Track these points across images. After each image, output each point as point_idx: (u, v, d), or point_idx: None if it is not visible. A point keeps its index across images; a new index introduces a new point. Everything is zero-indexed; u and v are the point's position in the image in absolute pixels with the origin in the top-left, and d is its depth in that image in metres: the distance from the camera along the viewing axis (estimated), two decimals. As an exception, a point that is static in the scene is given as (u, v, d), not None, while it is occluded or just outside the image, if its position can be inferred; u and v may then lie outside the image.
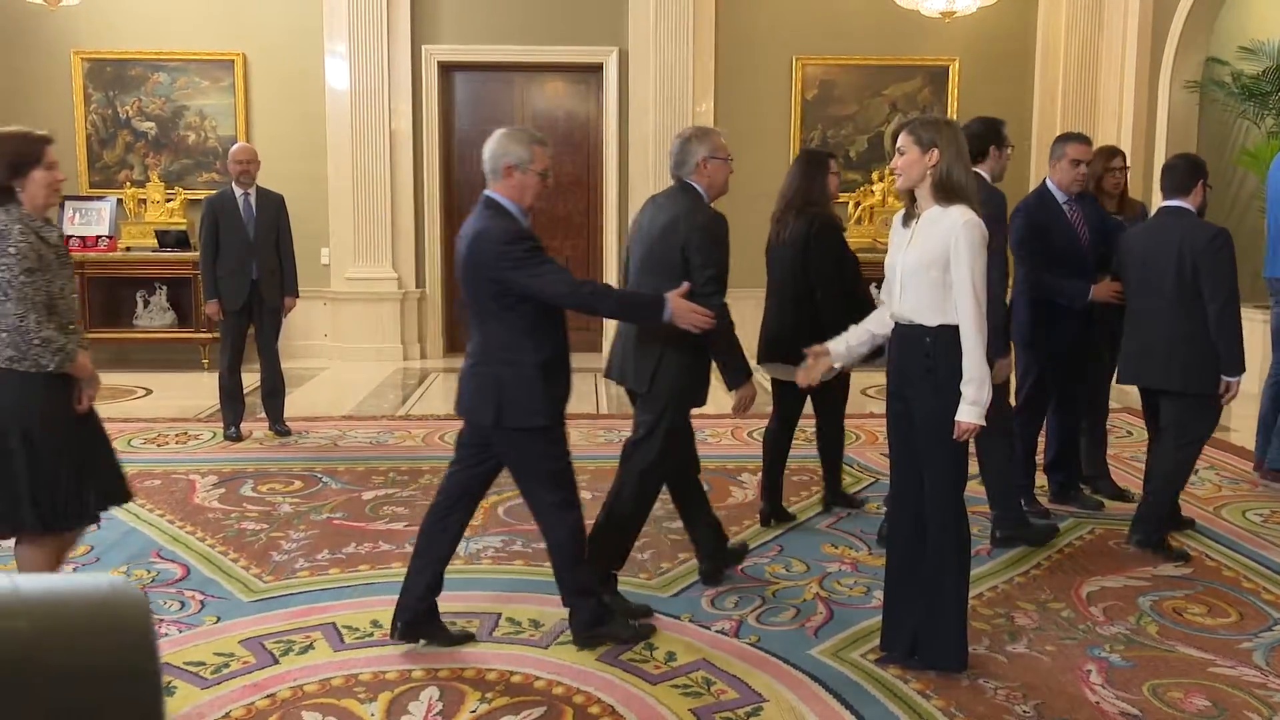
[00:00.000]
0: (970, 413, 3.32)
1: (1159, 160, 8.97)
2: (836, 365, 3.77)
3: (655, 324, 3.74)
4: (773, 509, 5.13)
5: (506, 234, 3.52)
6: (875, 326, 3.69)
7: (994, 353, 3.83)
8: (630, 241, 4.32)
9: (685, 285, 3.74)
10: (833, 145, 9.96)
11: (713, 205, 4.08)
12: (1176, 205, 4.71)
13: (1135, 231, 4.94)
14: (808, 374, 3.74)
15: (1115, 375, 5.07)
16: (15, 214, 3.36)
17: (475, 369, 3.63)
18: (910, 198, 3.47)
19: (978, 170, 4.53)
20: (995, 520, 4.81)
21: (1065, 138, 5.06)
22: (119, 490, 3.66)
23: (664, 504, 5.32)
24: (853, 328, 3.77)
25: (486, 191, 3.67)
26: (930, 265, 3.34)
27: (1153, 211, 5.28)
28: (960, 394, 3.32)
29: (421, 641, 3.74)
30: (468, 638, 3.79)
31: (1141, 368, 4.79)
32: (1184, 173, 4.73)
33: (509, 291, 3.48)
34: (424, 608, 3.73)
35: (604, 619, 3.75)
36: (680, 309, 3.64)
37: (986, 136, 4.65)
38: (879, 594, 3.99)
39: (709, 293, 3.82)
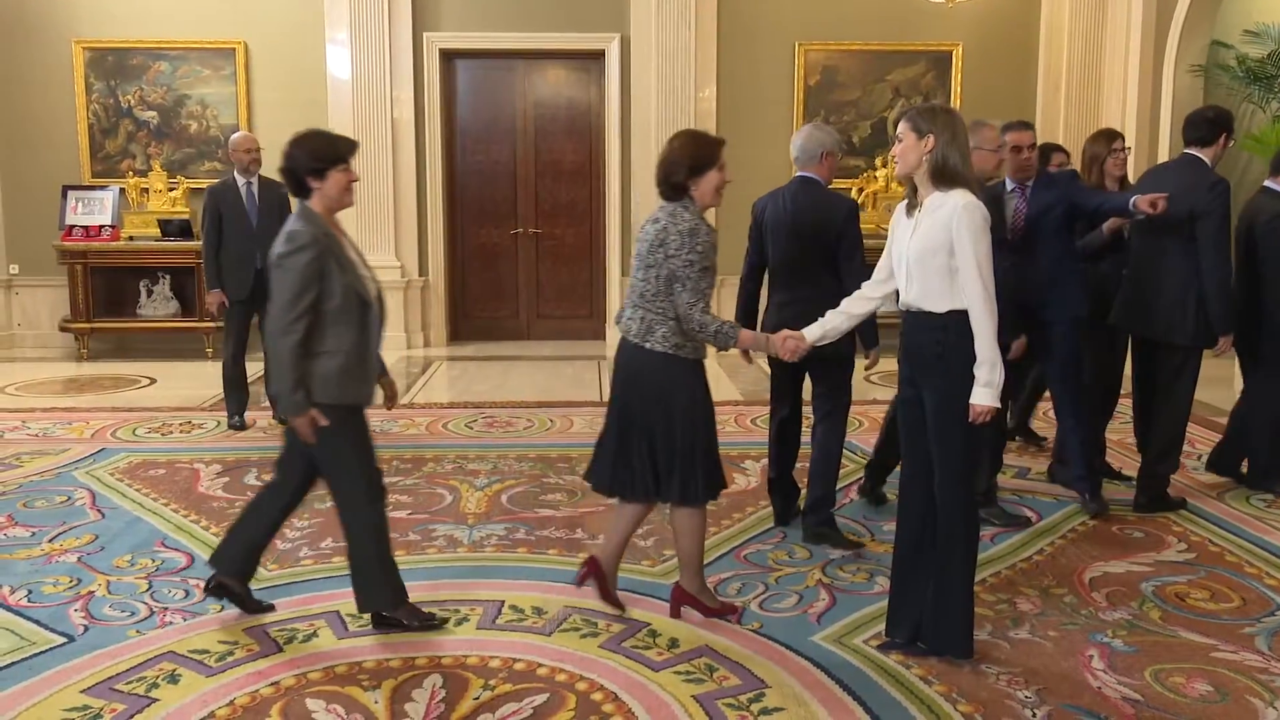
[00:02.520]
0: (984, 395, 3.33)
1: (1163, 144, 8.96)
2: (810, 342, 3.81)
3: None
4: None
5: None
6: (854, 308, 3.78)
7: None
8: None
9: None
10: (835, 131, 9.93)
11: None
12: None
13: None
14: (791, 347, 3.78)
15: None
16: (694, 211, 3.68)
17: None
18: (912, 187, 3.49)
19: (1198, 154, 5.03)
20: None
21: (1005, 126, 5.04)
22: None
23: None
24: (829, 313, 3.81)
25: (804, 172, 4.59)
26: (935, 251, 3.35)
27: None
28: (972, 377, 3.33)
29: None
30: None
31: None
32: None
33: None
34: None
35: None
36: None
37: (1220, 123, 5.03)
38: (882, 580, 4.01)
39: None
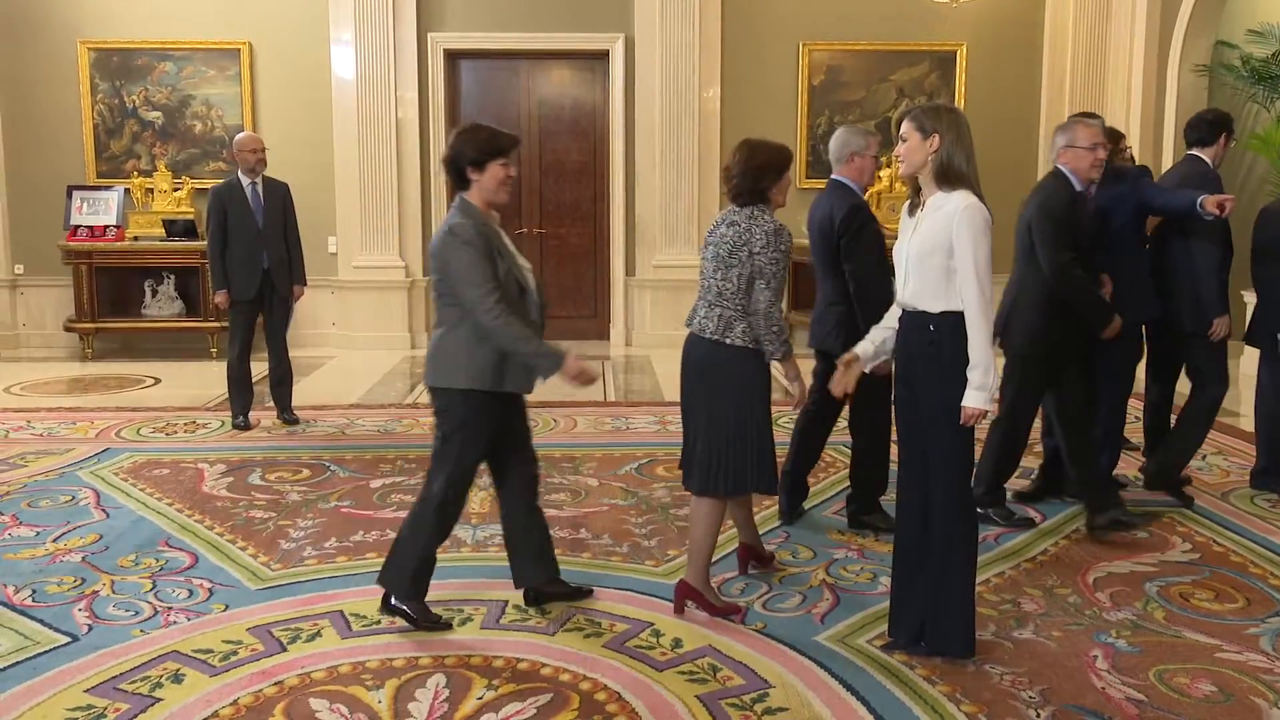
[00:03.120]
0: (976, 398, 3.32)
1: (1168, 144, 8.94)
2: (867, 369, 3.78)
3: None
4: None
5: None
6: (895, 323, 3.69)
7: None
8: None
9: None
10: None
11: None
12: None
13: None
14: (841, 382, 3.74)
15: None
16: (771, 214, 3.87)
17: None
18: (915, 187, 3.49)
19: (1199, 155, 5.16)
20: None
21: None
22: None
23: (671, 490, 5.35)
24: (874, 328, 3.77)
25: (834, 175, 4.72)
26: (933, 251, 3.34)
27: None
28: (965, 379, 3.32)
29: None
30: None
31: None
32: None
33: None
34: None
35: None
36: None
37: (1220, 125, 5.16)
38: (886, 580, 4.00)
39: None
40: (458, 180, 3.74)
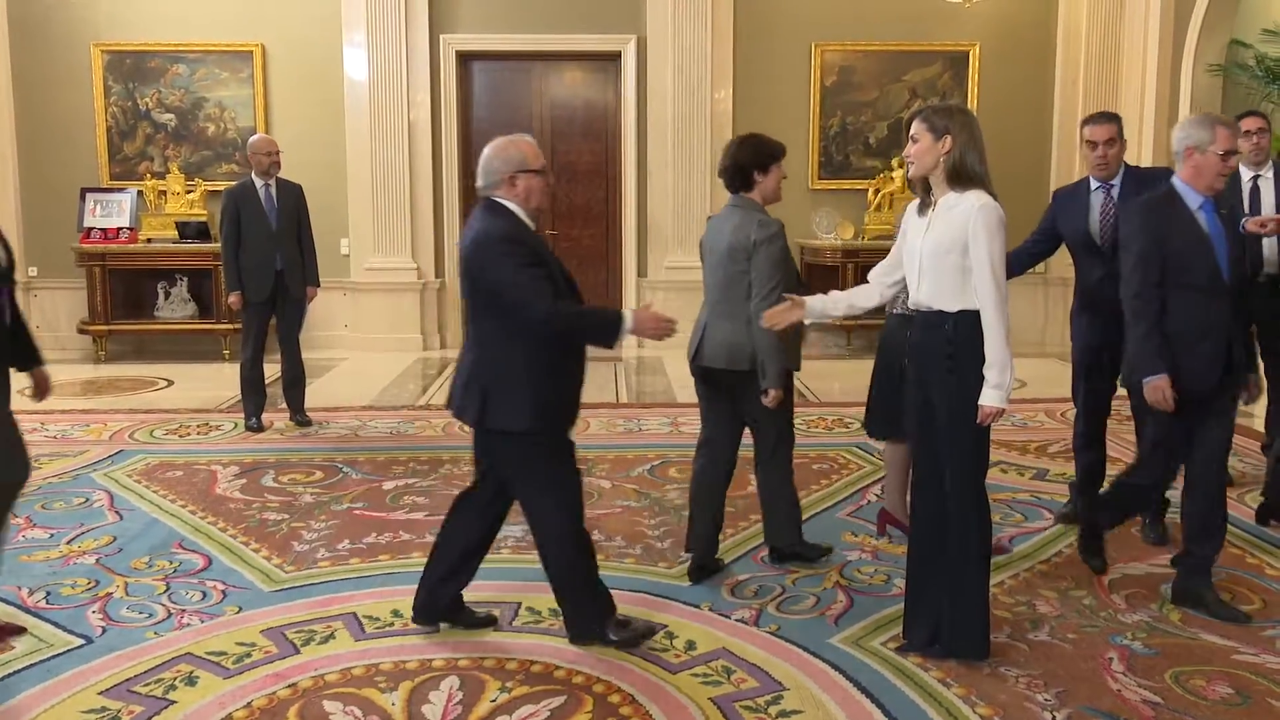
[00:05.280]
0: (993, 396, 3.32)
1: (1182, 144, 8.88)
2: (807, 321, 3.73)
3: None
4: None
5: None
6: (857, 299, 3.74)
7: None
8: None
9: None
10: (852, 131, 9.95)
11: None
12: None
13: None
14: (777, 315, 3.66)
15: None
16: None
17: None
18: (924, 187, 3.46)
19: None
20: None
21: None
22: None
23: (683, 492, 5.34)
24: (835, 292, 3.78)
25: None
26: (949, 250, 3.33)
27: None
28: (982, 379, 3.31)
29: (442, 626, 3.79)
30: (490, 621, 3.84)
31: None
32: None
33: None
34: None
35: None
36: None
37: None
38: (899, 582, 3.99)
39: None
40: (742, 183, 4.14)
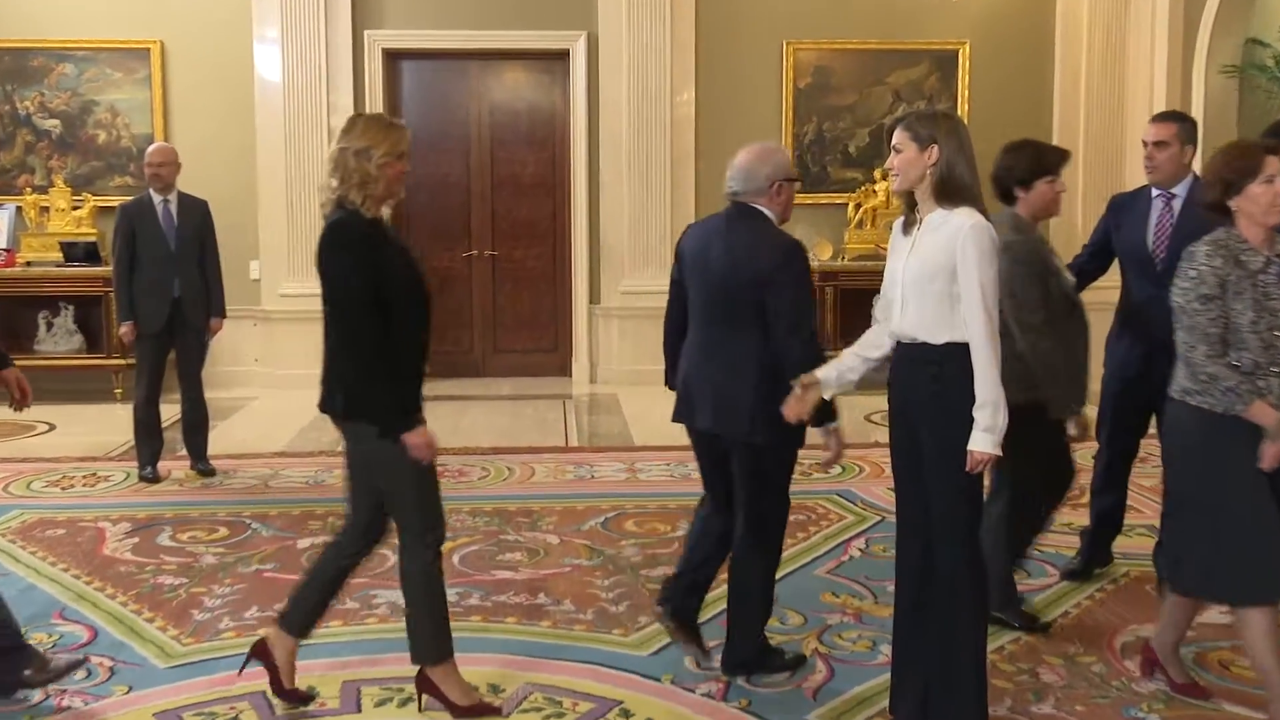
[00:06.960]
0: (984, 440, 3.27)
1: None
2: (827, 395, 3.71)
3: None
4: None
5: None
6: (867, 350, 3.65)
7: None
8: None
9: None
10: (829, 139, 10.01)
11: None
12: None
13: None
14: (797, 406, 3.64)
15: None
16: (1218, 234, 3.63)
17: None
18: (910, 202, 3.47)
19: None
20: None
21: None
22: None
23: (641, 548, 5.32)
24: (844, 352, 3.74)
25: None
26: (934, 276, 3.32)
27: None
28: (972, 420, 3.29)
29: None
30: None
31: None
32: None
33: None
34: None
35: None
36: None
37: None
38: (886, 649, 3.98)
39: None
40: (1003, 196, 4.25)
